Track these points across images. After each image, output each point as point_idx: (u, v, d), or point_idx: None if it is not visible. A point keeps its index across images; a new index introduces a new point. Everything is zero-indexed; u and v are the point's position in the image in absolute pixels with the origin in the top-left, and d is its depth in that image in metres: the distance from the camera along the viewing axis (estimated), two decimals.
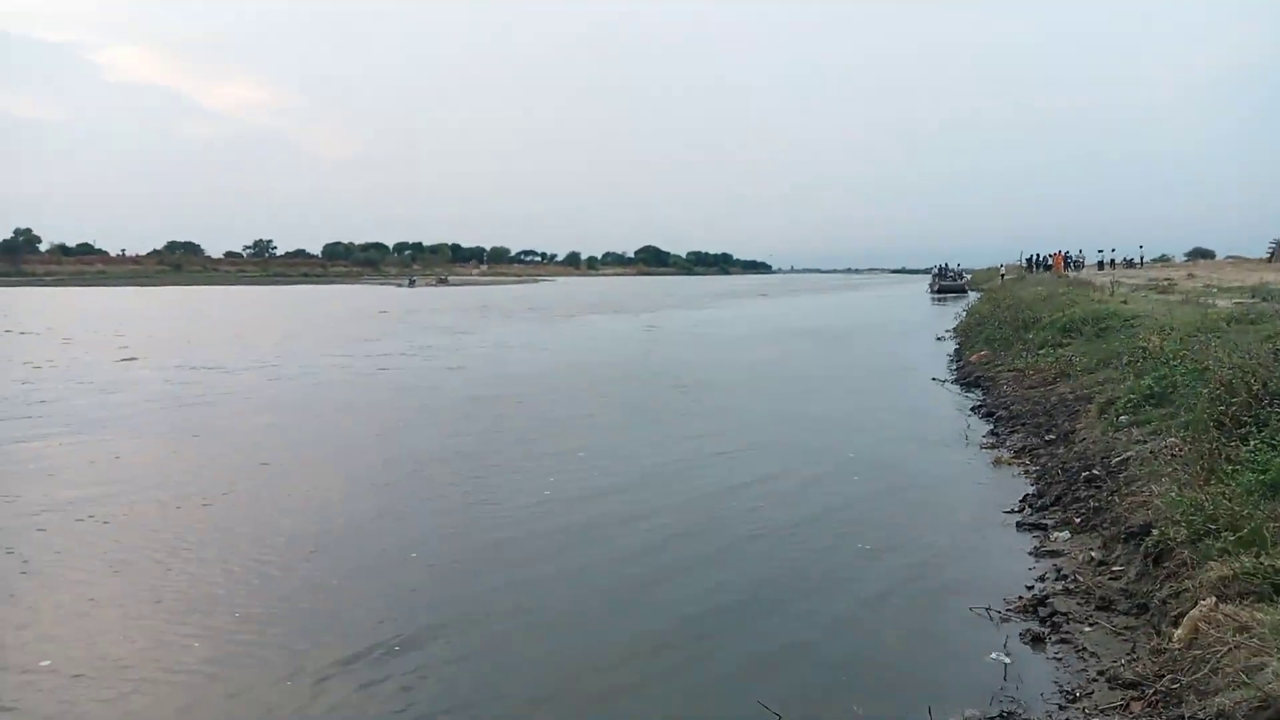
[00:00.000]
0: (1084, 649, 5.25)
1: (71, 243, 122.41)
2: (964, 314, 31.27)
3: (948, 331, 29.47)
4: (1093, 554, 6.68)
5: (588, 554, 7.46)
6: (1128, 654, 5.00)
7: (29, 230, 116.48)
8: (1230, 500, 5.49)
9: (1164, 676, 4.36)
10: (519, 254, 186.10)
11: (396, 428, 13.53)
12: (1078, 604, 5.90)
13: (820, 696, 5.00)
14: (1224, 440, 6.63)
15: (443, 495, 9.31)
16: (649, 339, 31.43)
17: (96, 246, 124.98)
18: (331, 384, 18.47)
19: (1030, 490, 8.95)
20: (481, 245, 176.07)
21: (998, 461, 10.43)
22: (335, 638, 5.75)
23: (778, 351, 25.92)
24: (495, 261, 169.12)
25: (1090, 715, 4.35)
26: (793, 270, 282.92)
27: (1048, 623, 5.68)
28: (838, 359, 23.84)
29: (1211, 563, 5.00)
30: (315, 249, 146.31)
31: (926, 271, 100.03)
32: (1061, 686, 4.84)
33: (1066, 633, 5.50)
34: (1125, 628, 5.40)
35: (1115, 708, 4.37)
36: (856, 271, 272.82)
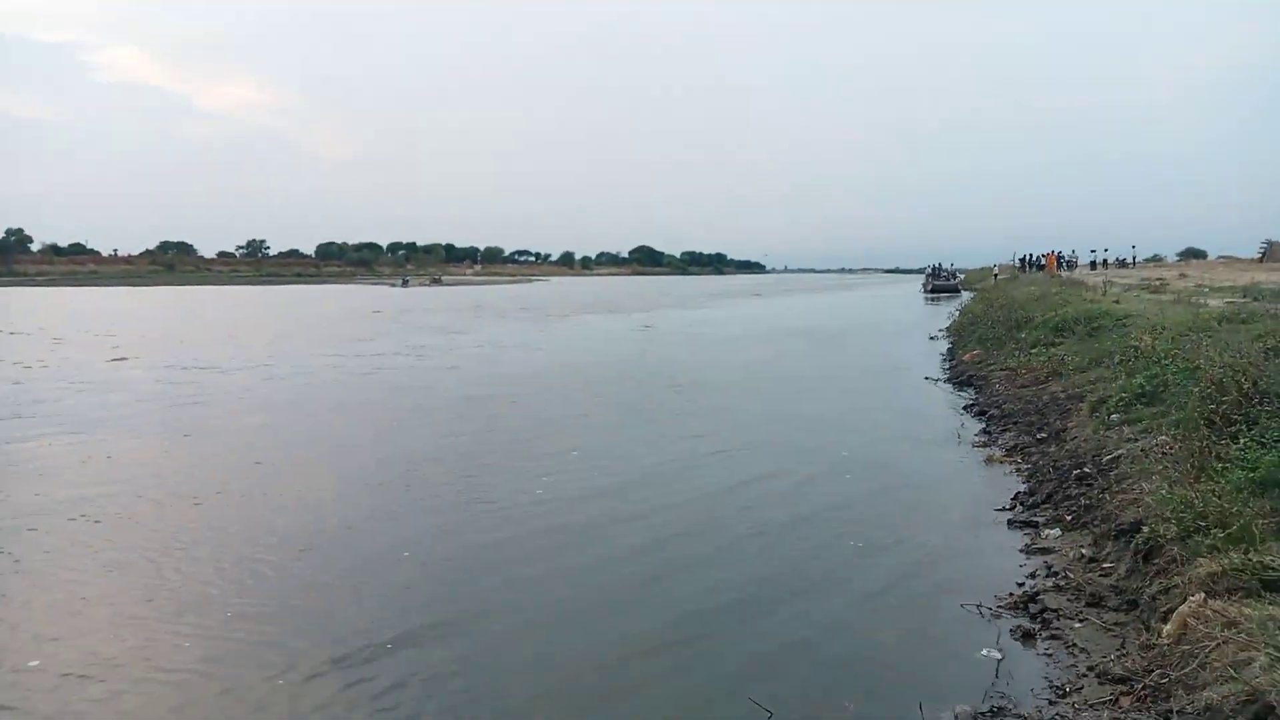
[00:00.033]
0: (1074, 645, 5.27)
1: (64, 243, 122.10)
2: (957, 313, 31.33)
3: (941, 331, 29.56)
4: (1083, 551, 6.71)
5: (581, 554, 7.46)
6: (1117, 649, 5.03)
7: (20, 230, 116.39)
8: (1220, 497, 5.52)
9: (1153, 671, 4.38)
10: (513, 254, 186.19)
11: (389, 427, 13.52)
12: (1068, 600, 5.94)
13: (812, 693, 5.02)
14: (1214, 438, 6.66)
15: (436, 495, 9.31)
16: (643, 339, 31.44)
17: (89, 246, 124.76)
18: (324, 384, 18.44)
19: (1022, 488, 8.98)
20: (475, 245, 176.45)
21: (990, 460, 10.47)
22: (328, 637, 5.74)
23: (772, 351, 25.96)
24: (489, 261, 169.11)
25: (1080, 710, 4.37)
26: (787, 270, 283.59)
27: (1038, 619, 5.70)
28: (831, 359, 23.89)
29: (1201, 559, 5.02)
30: (309, 249, 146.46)
31: (920, 272, 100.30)
32: (1052, 682, 4.86)
33: (1057, 629, 5.53)
34: (1115, 623, 5.43)
35: (1105, 702, 4.39)
36: (851, 271, 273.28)
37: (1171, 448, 7.44)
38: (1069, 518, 7.58)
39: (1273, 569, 4.62)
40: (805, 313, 49.87)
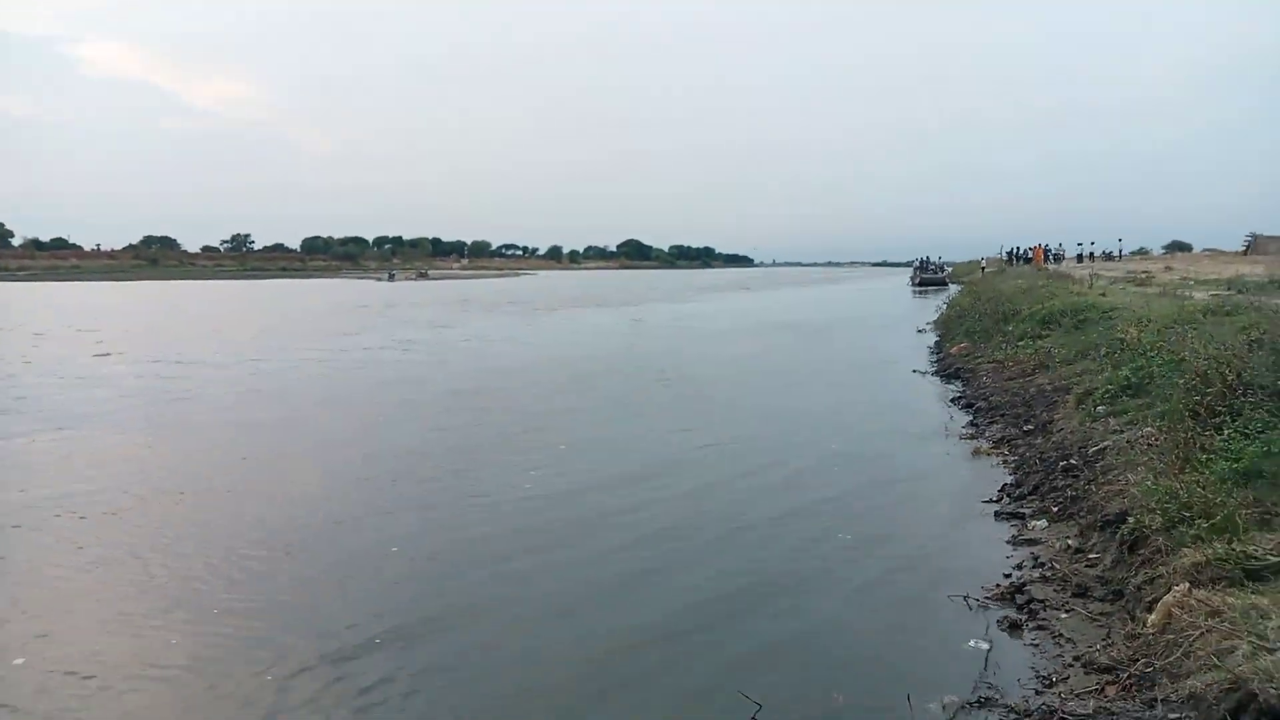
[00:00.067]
0: (1060, 635, 5.32)
1: (45, 237, 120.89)
2: (945, 307, 31.44)
3: (928, 324, 29.65)
4: (1070, 542, 6.76)
5: (569, 549, 7.45)
6: (1103, 639, 5.07)
7: (1, 225, 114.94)
8: (1204, 488, 5.57)
9: (1138, 660, 4.43)
10: (500, 248, 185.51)
11: (377, 422, 13.47)
12: (1055, 591, 5.98)
13: (802, 685, 5.04)
14: (1199, 429, 6.72)
15: (424, 489, 9.28)
16: (631, 333, 31.42)
17: (71, 241, 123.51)
18: (310, 379, 18.35)
19: (1009, 480, 9.04)
20: (462, 239, 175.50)
21: (977, 452, 10.53)
22: (316, 632, 5.72)
23: (760, 345, 25.99)
24: (476, 255, 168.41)
25: (1066, 700, 4.40)
26: (775, 264, 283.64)
27: (1025, 610, 5.75)
28: (820, 352, 23.94)
29: (1185, 549, 5.07)
30: (294, 244, 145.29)
31: (908, 265, 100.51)
32: (1039, 672, 4.90)
33: (1043, 619, 5.57)
34: (1101, 613, 5.48)
35: (1090, 692, 4.43)
36: (838, 265, 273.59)
37: (1157, 439, 7.50)
38: (1055, 509, 7.64)
39: (1255, 558, 4.67)
40: (794, 306, 49.96)
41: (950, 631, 5.59)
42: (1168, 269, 31.03)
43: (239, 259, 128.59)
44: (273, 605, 6.20)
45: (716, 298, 61.40)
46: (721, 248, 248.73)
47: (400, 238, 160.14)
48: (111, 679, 5.13)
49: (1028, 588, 6.08)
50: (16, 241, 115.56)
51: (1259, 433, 6.19)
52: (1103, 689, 4.41)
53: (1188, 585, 4.61)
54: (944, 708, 4.55)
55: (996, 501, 8.41)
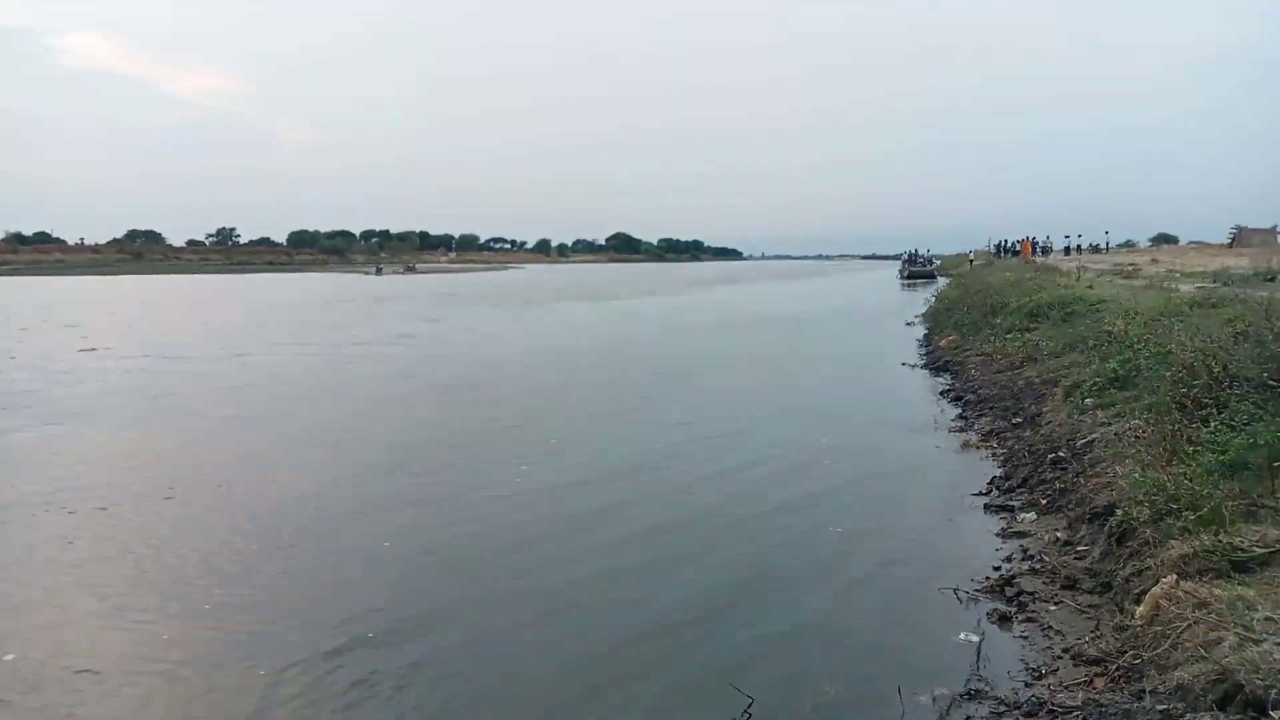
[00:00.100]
0: (1050, 627, 5.35)
1: (28, 231, 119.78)
2: (933, 299, 31.55)
3: (917, 317, 29.74)
4: (1058, 534, 6.81)
5: (560, 545, 7.44)
6: (1092, 631, 5.11)
7: None
8: (1191, 480, 5.61)
9: (1126, 652, 4.46)
10: (488, 241, 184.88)
11: (367, 416, 13.42)
12: (1044, 583, 6.02)
13: (793, 678, 5.05)
14: (1185, 422, 6.77)
15: (416, 485, 9.25)
16: (620, 327, 31.41)
17: (54, 235, 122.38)
18: (298, 374, 18.26)
19: (998, 473, 9.09)
20: (450, 233, 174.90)
21: (966, 445, 10.58)
22: (308, 627, 5.70)
23: (750, 339, 26.04)
24: (464, 249, 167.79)
25: (1055, 691, 4.43)
26: (764, 257, 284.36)
27: (1015, 602, 5.78)
28: (810, 345, 23.99)
29: (1173, 541, 5.11)
30: (280, 237, 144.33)
31: (896, 258, 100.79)
32: (1028, 664, 4.94)
33: (1033, 611, 5.61)
34: (1089, 606, 5.52)
35: (1079, 683, 4.46)
36: (827, 258, 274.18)
37: (1144, 431, 7.55)
38: (1044, 501, 7.68)
39: (1242, 550, 4.71)
40: (783, 299, 50.02)
41: (941, 624, 5.63)
42: (1154, 261, 31.19)
43: (224, 253, 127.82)
44: (265, 600, 6.18)
45: (706, 291, 61.43)
46: (710, 241, 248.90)
47: (387, 231, 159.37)
48: (103, 674, 5.10)
49: (1017, 580, 6.11)
50: None
51: (1244, 425, 6.24)
52: (1091, 681, 4.45)
53: (1175, 577, 4.65)
54: (934, 700, 4.57)
55: (986, 494, 8.46)
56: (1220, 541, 4.80)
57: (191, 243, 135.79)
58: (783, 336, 26.63)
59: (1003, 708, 4.41)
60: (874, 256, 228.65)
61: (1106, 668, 4.49)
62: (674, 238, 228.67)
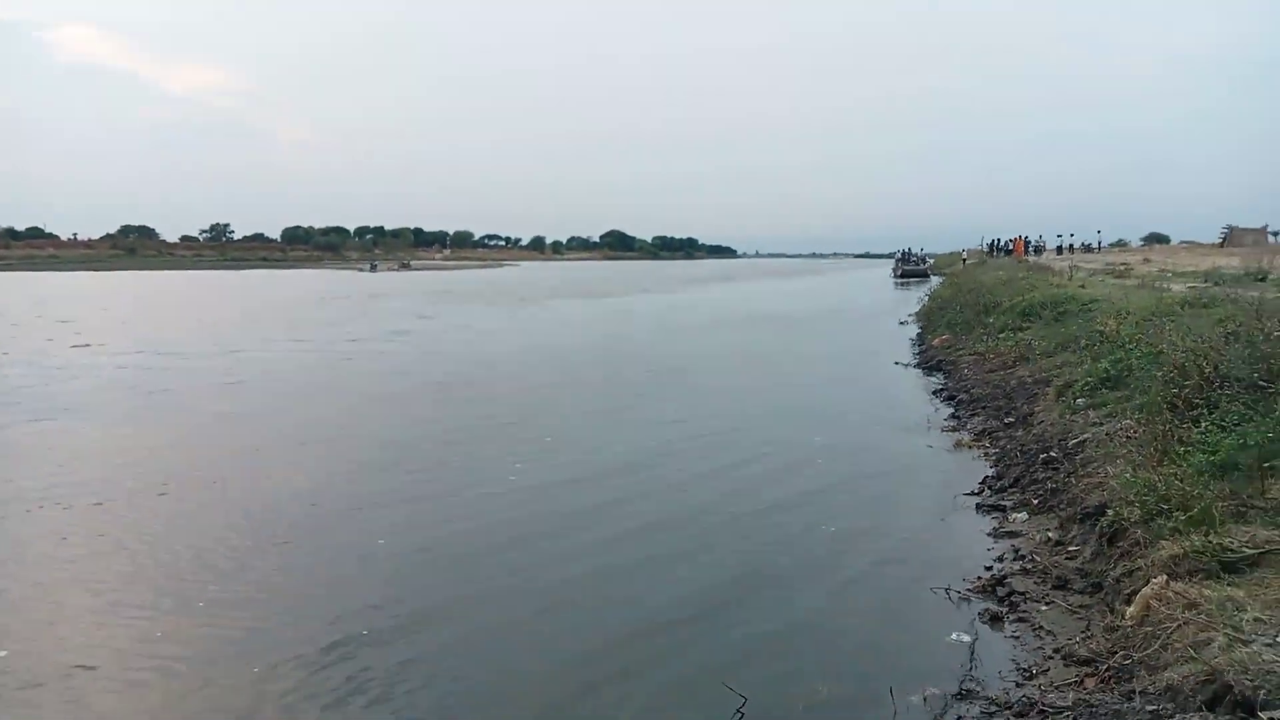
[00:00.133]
0: (1041, 627, 5.38)
1: (21, 227, 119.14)
2: (926, 298, 31.62)
3: (910, 316, 29.81)
4: (1050, 534, 6.84)
5: (554, 543, 7.45)
6: (1082, 631, 5.14)
7: None
8: (1182, 481, 5.64)
9: (1117, 653, 4.49)
10: (482, 238, 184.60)
11: (361, 414, 13.41)
12: (1035, 583, 6.05)
13: (786, 678, 5.07)
14: (1177, 422, 6.80)
15: (410, 482, 9.26)
16: (614, 324, 31.41)
17: (47, 231, 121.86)
18: (292, 370, 18.22)
19: (990, 472, 9.12)
20: (444, 229, 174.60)
21: (959, 444, 10.62)
22: (303, 624, 5.70)
23: (744, 337, 26.06)
24: (458, 246, 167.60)
25: (1046, 691, 4.46)
26: (758, 255, 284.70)
27: (1006, 602, 5.81)
28: (803, 344, 24.03)
29: (1163, 542, 5.14)
30: (274, 233, 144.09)
31: (890, 256, 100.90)
32: (1019, 664, 4.96)
33: (1024, 612, 5.63)
34: (1080, 606, 5.55)
35: (1070, 684, 4.49)
36: (821, 256, 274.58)
37: (1135, 432, 7.58)
38: (1036, 501, 7.72)
39: (1231, 551, 4.74)
40: (777, 297, 50.08)
41: (933, 624, 5.65)
42: (1146, 261, 31.30)
43: (219, 249, 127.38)
44: (259, 596, 6.18)
45: (700, 289, 61.45)
46: (705, 238, 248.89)
47: (382, 228, 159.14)
48: (97, 670, 5.10)
49: (1009, 580, 6.14)
50: None
51: (1235, 425, 6.27)
52: (1082, 681, 4.47)
53: (1165, 577, 4.68)
54: (926, 700, 4.60)
55: (978, 494, 8.49)
56: (1210, 542, 4.83)
57: (185, 239, 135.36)
58: (776, 334, 26.67)
59: (994, 708, 4.43)
60: (868, 255, 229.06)
61: (1097, 668, 4.52)
62: (669, 235, 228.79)
